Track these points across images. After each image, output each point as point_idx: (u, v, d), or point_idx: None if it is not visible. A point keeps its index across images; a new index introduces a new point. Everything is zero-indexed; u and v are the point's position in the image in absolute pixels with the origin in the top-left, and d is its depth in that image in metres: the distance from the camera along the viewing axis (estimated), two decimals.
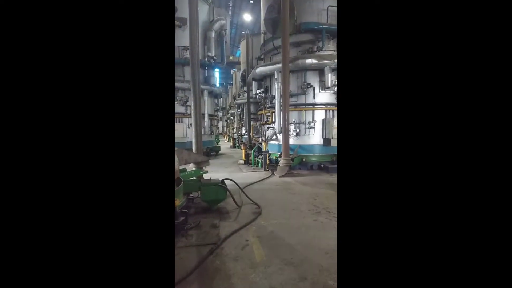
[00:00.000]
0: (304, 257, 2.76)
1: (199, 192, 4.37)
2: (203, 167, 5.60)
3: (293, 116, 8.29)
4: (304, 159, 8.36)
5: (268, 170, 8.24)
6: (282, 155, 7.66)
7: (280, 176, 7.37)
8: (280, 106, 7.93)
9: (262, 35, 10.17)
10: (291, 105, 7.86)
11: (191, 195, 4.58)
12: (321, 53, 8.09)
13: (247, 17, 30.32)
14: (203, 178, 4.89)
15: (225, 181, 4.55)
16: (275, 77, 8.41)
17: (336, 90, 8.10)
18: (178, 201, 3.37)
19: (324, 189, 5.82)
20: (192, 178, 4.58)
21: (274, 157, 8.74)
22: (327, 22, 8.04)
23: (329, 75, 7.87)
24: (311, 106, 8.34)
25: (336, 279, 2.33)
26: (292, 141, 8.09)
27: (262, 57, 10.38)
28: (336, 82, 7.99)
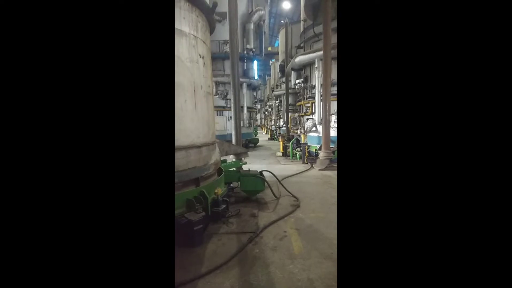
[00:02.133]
0: None
1: (239, 182, 4.53)
2: (242, 159, 5.77)
3: (335, 106, 7.86)
4: None
5: (307, 163, 8.06)
6: (322, 147, 7.39)
7: (319, 170, 7.15)
8: (321, 96, 7.59)
9: (302, 22, 9.78)
10: (332, 94, 7.45)
11: (231, 185, 4.78)
12: None
13: (286, 5, 29.38)
14: (242, 169, 5.05)
15: (263, 172, 4.62)
16: (316, 65, 8.05)
17: None
18: (220, 190, 3.55)
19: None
20: (232, 169, 4.77)
21: (314, 150, 8.50)
22: None
23: None
24: None
25: None
26: (333, 132, 7.72)
27: (301, 45, 10.02)
28: None
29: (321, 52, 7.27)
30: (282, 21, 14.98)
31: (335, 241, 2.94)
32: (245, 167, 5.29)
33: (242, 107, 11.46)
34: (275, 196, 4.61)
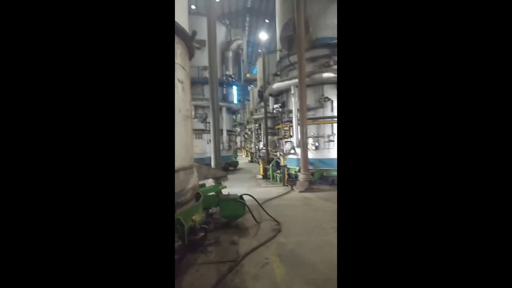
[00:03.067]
0: (327, 277, 2.60)
1: (218, 207, 4.36)
2: (222, 182, 5.63)
3: (312, 129, 8.19)
4: (324, 174, 8.12)
5: (287, 185, 8.07)
6: (301, 169, 7.51)
7: (300, 192, 7.18)
8: (298, 120, 7.90)
9: (278, 52, 10.45)
10: (309, 118, 7.80)
11: (210, 210, 4.59)
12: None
13: (263, 35, 31.43)
14: (222, 193, 4.91)
15: (243, 196, 4.52)
16: (292, 92, 8.47)
17: None
18: (198, 217, 3.38)
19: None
20: (211, 193, 4.61)
21: (293, 172, 8.59)
22: None
23: None
24: (330, 119, 8.21)
25: None
26: (311, 155, 7.93)
27: (278, 73, 10.58)
28: None
29: (297, 80, 7.72)
30: (260, 50, 15.89)
31: (319, 266, 2.87)
32: (224, 191, 5.15)
33: (222, 130, 11.48)
34: (256, 221, 4.48)
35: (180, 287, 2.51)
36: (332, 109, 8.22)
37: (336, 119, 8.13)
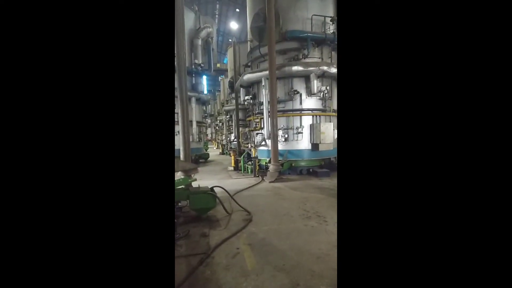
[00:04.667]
0: (296, 263, 2.74)
1: (188, 200, 4.27)
2: (192, 175, 5.50)
3: (281, 121, 8.37)
4: (293, 164, 8.42)
5: (258, 176, 8.21)
6: (272, 160, 7.68)
7: (270, 182, 7.36)
8: (268, 112, 8.00)
9: (248, 42, 10.30)
10: (279, 111, 7.94)
11: (179, 204, 4.47)
12: (307, 60, 8.29)
13: (234, 25, 30.70)
14: (191, 186, 4.80)
15: (214, 188, 4.48)
16: (263, 84, 8.50)
17: (322, 96, 8.29)
18: None
19: (313, 194, 5.87)
20: (180, 187, 4.48)
21: (264, 163, 8.75)
22: (311, 30, 8.27)
23: (315, 81, 8.05)
24: (299, 112, 8.46)
25: (328, 284, 2.33)
26: (281, 146, 8.14)
27: (249, 64, 10.49)
28: (322, 88, 8.17)
29: (267, 72, 7.75)
30: (230, 40, 15.52)
31: (288, 252, 3.01)
32: (195, 184, 5.05)
33: (191, 121, 11.10)
34: (227, 212, 4.50)
35: None
36: (301, 102, 8.47)
37: (304, 112, 8.42)
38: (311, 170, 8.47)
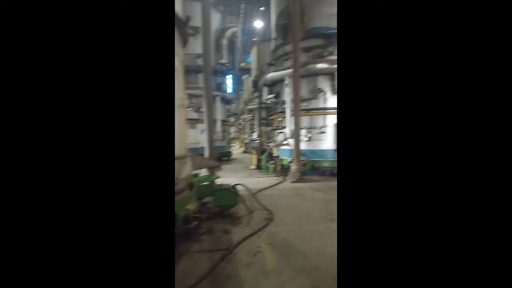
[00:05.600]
0: (317, 265, 2.70)
1: (212, 197, 4.40)
2: (215, 172, 5.65)
3: (305, 120, 8.22)
4: (316, 165, 8.24)
5: (280, 176, 8.18)
6: (294, 160, 7.60)
7: (291, 182, 7.29)
8: (291, 111, 7.91)
9: (272, 41, 10.26)
10: (302, 109, 7.81)
11: (203, 200, 4.63)
12: (332, 57, 8.03)
13: (258, 23, 30.71)
14: (215, 183, 4.93)
15: (237, 186, 4.56)
16: (286, 82, 8.42)
17: None
18: (192, 206, 3.41)
19: (336, 195, 5.69)
20: (204, 183, 4.63)
21: (286, 163, 8.68)
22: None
23: None
24: (322, 111, 8.25)
25: None
26: (303, 146, 8.01)
27: (273, 62, 10.44)
28: None
29: (291, 70, 7.66)
30: (254, 39, 15.57)
31: (308, 254, 2.97)
32: (218, 181, 5.18)
33: (216, 120, 11.37)
34: (249, 210, 4.56)
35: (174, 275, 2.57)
36: (324, 101, 8.24)
37: (328, 110, 8.18)
38: (334, 171, 8.23)
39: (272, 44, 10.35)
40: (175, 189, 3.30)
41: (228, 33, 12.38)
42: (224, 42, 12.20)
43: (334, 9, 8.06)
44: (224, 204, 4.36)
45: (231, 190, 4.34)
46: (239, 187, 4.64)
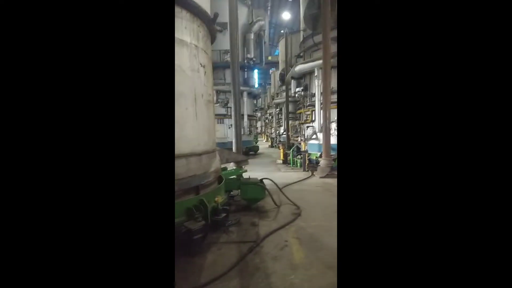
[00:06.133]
0: None
1: (239, 190, 4.49)
2: (243, 166, 5.74)
3: (335, 114, 7.89)
4: None
5: (308, 171, 8.01)
6: (323, 155, 7.37)
7: (320, 177, 7.10)
8: (321, 104, 7.64)
9: (301, 32, 9.96)
10: (332, 102, 7.49)
11: (231, 193, 4.74)
12: None
13: (286, 15, 30.03)
14: (242, 176, 5.02)
15: (263, 180, 4.59)
16: (315, 74, 8.14)
17: None
18: (220, 198, 3.52)
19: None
20: (232, 177, 4.73)
21: (314, 157, 8.47)
22: None
23: None
24: None
25: None
26: (333, 140, 7.71)
27: (301, 54, 10.16)
28: None
29: (321, 61, 7.36)
30: (282, 31, 15.27)
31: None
32: (245, 175, 5.25)
33: (243, 115, 11.51)
34: (276, 204, 4.55)
35: (203, 264, 2.69)
36: None
37: None
38: None
39: (301, 36, 10.04)
40: (205, 182, 3.43)
41: (255, 27, 12.31)
42: (251, 36, 12.18)
43: None
44: (252, 197, 4.41)
45: (258, 184, 4.38)
46: (266, 181, 4.66)
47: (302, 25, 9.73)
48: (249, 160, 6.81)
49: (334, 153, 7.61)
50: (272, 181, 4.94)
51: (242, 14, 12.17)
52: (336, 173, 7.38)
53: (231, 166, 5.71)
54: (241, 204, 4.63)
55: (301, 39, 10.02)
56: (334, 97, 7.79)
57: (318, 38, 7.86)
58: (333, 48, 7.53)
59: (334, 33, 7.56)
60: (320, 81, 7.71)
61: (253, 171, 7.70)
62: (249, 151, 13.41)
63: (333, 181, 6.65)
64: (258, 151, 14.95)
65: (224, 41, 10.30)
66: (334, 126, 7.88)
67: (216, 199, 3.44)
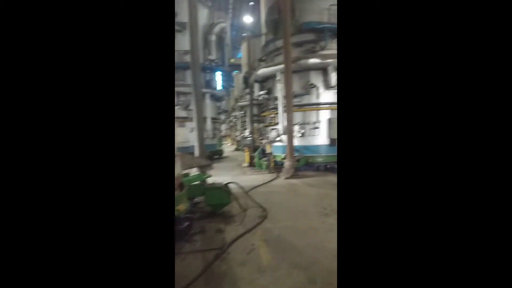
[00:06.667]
0: (313, 260, 2.67)
1: (203, 196, 4.31)
2: (207, 171, 5.55)
3: (297, 116, 8.19)
4: (309, 160, 8.24)
5: (273, 172, 8.14)
6: (287, 156, 7.57)
7: (285, 178, 7.27)
8: (284, 107, 7.85)
9: (263, 36, 10.15)
10: (295, 105, 7.77)
11: (195, 199, 4.52)
12: (324, 52, 8.01)
13: (248, 19, 30.47)
14: (206, 182, 4.83)
15: (229, 184, 4.49)
16: (278, 78, 8.35)
17: None
18: (183, 206, 3.31)
19: (331, 190, 5.70)
20: (195, 183, 4.52)
21: (279, 159, 8.65)
22: (329, 20, 7.96)
23: (333, 74, 7.77)
24: (316, 106, 8.24)
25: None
26: (297, 142, 7.99)
27: (264, 58, 10.35)
28: None
29: (283, 66, 7.58)
30: (244, 34, 15.41)
31: (304, 250, 2.93)
32: (210, 180, 5.08)
33: (206, 117, 11.21)
34: (242, 208, 4.49)
35: None
36: (317, 96, 8.23)
37: (321, 106, 8.18)
38: (328, 166, 8.26)
39: (263, 40, 10.23)
40: None
41: (217, 28, 12.16)
42: (213, 38, 11.98)
43: (325, 3, 8.02)
44: (216, 203, 4.27)
45: (223, 189, 4.26)
46: (231, 185, 4.56)
47: (263, 30, 9.93)
48: (214, 165, 6.62)
49: (297, 155, 7.88)
50: (238, 184, 4.87)
51: (203, 15, 11.92)
52: (300, 173, 7.66)
53: (194, 171, 5.46)
54: (206, 210, 4.45)
55: (263, 43, 10.21)
56: (297, 100, 8.10)
57: (280, 42, 8.10)
58: (294, 53, 7.84)
59: (294, 39, 7.88)
60: (282, 85, 7.92)
61: (218, 176, 7.51)
62: (213, 155, 13.11)
63: (298, 182, 6.86)
64: (223, 155, 14.73)
65: (183, 42, 9.91)
66: (296, 128, 8.17)
67: (177, 207, 3.22)
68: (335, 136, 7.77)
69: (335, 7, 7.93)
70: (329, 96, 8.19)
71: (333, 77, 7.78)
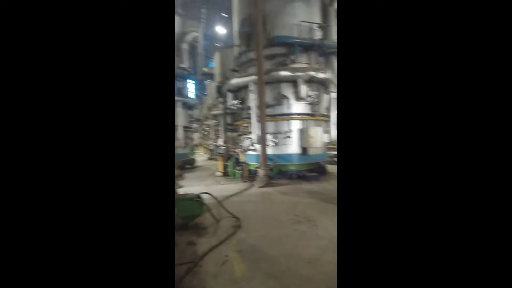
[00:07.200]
0: (286, 268, 2.69)
1: (174, 208, 4.12)
2: (178, 182, 5.33)
3: (270, 126, 8.37)
4: (283, 169, 8.40)
5: (247, 181, 8.12)
6: (261, 165, 7.63)
7: (259, 187, 7.29)
8: (257, 116, 7.97)
9: (236, 47, 10.32)
10: (267, 115, 7.94)
11: None
12: (295, 65, 8.39)
13: (220, 29, 30.78)
14: (177, 193, 4.64)
15: (201, 195, 4.36)
16: (251, 88, 8.50)
17: (309, 101, 8.40)
18: None
19: (303, 198, 5.86)
20: None
21: (253, 168, 8.67)
22: (299, 35, 8.40)
23: (303, 86, 8.15)
24: (287, 116, 8.51)
25: None
26: (270, 151, 8.11)
27: (237, 68, 10.48)
28: (309, 94, 8.28)
29: (255, 77, 7.75)
30: (217, 44, 15.50)
31: (278, 258, 2.94)
32: (181, 191, 4.89)
33: (177, 126, 10.89)
34: (215, 219, 4.38)
35: None
36: (288, 107, 8.52)
37: (292, 116, 8.47)
38: (300, 174, 8.49)
39: (235, 50, 10.39)
40: None
41: (189, 37, 12.09)
42: (185, 46, 11.86)
43: (295, 19, 8.47)
44: (188, 215, 4.11)
45: (195, 200, 4.12)
46: (204, 196, 4.44)
47: (236, 41, 10.12)
48: (186, 175, 6.40)
49: (271, 163, 7.99)
50: (211, 194, 4.75)
51: (175, 23, 11.78)
52: (275, 182, 7.75)
53: None
54: (177, 223, 4.24)
55: (236, 54, 10.37)
56: (269, 110, 8.29)
57: (252, 54, 8.31)
58: (266, 65, 8.08)
59: (267, 51, 8.14)
60: (255, 96, 8.07)
61: (190, 186, 7.26)
62: (185, 164, 12.67)
63: (272, 190, 6.92)
64: (196, 164, 14.32)
65: None
66: (269, 137, 8.32)
67: None
68: (306, 145, 8.07)
69: (305, 24, 8.43)
70: (300, 107, 8.54)
71: (303, 89, 8.16)
